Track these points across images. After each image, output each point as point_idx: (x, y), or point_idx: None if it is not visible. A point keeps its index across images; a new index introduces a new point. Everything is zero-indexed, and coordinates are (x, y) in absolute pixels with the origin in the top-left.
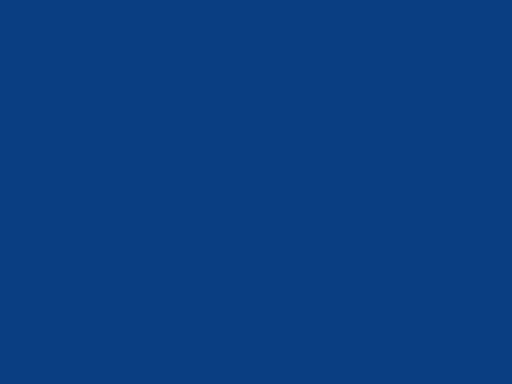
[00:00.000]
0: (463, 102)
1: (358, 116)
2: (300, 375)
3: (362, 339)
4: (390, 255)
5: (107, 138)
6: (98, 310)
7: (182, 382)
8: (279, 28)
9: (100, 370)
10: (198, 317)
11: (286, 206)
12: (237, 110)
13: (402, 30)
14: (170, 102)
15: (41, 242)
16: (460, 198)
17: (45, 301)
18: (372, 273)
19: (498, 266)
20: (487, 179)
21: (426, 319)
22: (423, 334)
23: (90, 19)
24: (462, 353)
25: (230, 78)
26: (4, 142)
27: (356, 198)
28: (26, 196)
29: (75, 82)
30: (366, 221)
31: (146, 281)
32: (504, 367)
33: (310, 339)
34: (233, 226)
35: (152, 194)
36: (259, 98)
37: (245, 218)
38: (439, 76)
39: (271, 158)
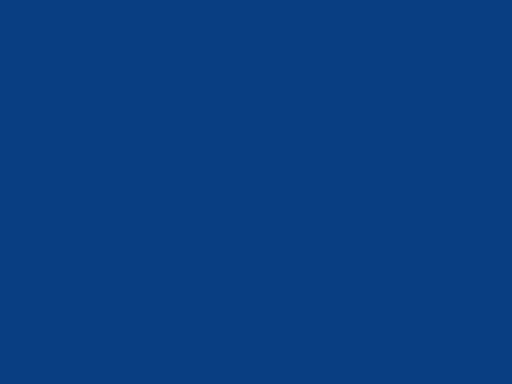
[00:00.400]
0: (463, 101)
1: (358, 116)
2: (300, 375)
3: (362, 339)
4: (390, 255)
5: (107, 138)
6: (98, 309)
7: (182, 382)
8: (279, 28)
9: (100, 370)
10: (198, 317)
11: (286, 206)
12: (237, 110)
13: (402, 30)
14: (170, 101)
15: (41, 242)
16: (460, 198)
17: (45, 301)
18: (372, 273)
19: (498, 266)
20: (487, 179)
21: (426, 319)
22: (423, 334)
23: (90, 19)
24: (462, 353)
25: (230, 78)
26: (4, 142)
27: (356, 198)
28: (26, 196)
29: (75, 82)
30: (366, 221)
31: (146, 281)
32: (504, 367)
33: (310, 339)
34: (233, 226)
35: (152, 194)
36: (259, 98)
37: (245, 218)
38: (439, 76)
39: (271, 158)
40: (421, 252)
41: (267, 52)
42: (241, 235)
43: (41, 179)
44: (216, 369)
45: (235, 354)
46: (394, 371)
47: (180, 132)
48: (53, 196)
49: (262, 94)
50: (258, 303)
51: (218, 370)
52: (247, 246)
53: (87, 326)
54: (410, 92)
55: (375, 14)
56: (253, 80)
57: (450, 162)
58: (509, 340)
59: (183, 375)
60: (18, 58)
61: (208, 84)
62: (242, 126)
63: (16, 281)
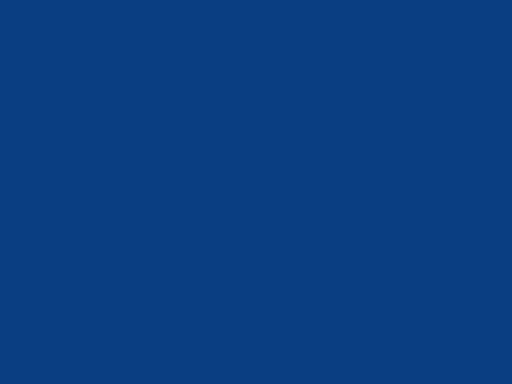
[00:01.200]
0: (463, 101)
1: (358, 116)
2: (300, 375)
3: (362, 339)
4: (390, 255)
5: (107, 138)
6: (98, 310)
7: (182, 382)
8: (279, 28)
9: (100, 370)
10: (198, 317)
11: (286, 206)
12: (237, 110)
13: (402, 30)
14: (170, 102)
15: (41, 242)
16: (460, 198)
17: (45, 301)
18: (372, 273)
19: (498, 266)
20: (487, 179)
21: (426, 319)
22: (423, 334)
23: (90, 19)
24: (462, 353)
25: (230, 78)
26: (4, 142)
27: (356, 198)
28: (26, 196)
29: (75, 82)
30: (366, 221)
31: (146, 281)
32: (504, 367)
33: (310, 339)
34: (233, 226)
35: (152, 194)
36: (259, 98)
37: (245, 218)
38: (439, 76)
39: (271, 158)
40: (421, 252)
41: (267, 52)
42: (241, 235)
43: (41, 179)
44: (216, 369)
45: (235, 354)
46: (394, 371)
47: (180, 132)
48: (53, 196)
49: (262, 94)
50: (258, 303)
51: (218, 370)
52: (247, 245)
53: (87, 325)
54: (410, 92)
55: (375, 14)
56: (253, 80)
57: (450, 162)
58: (509, 340)
59: (183, 375)
60: (18, 58)
61: (208, 84)
62: (242, 125)
63: (16, 281)
